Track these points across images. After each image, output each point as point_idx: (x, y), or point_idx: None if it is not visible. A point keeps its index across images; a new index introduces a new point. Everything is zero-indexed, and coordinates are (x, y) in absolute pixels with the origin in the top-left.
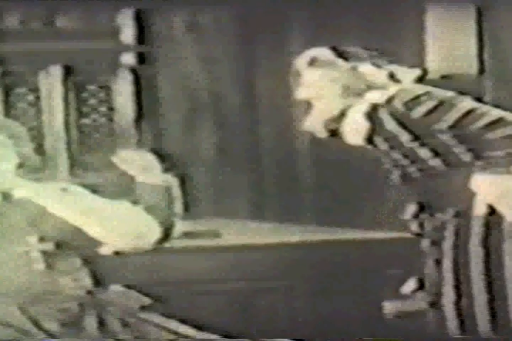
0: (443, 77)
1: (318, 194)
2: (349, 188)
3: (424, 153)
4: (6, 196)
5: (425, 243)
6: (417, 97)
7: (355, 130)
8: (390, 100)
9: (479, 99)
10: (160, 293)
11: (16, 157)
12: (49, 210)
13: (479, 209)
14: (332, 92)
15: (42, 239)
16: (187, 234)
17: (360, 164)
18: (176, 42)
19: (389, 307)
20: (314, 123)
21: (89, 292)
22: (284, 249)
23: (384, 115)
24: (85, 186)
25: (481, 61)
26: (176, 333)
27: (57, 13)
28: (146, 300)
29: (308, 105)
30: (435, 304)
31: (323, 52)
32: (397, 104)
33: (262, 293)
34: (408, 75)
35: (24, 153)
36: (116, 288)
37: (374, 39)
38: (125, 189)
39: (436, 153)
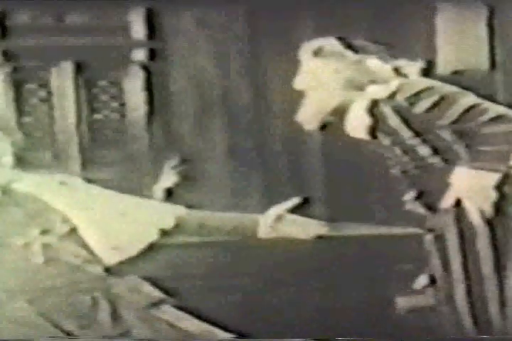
0: (454, 72)
1: (328, 190)
2: (360, 184)
3: (423, 150)
4: (6, 190)
5: (428, 240)
6: (420, 92)
7: (358, 125)
8: (392, 95)
9: (491, 95)
10: (173, 287)
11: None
12: (49, 204)
13: (446, 201)
14: (333, 84)
15: (44, 232)
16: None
17: (371, 160)
18: (187, 38)
19: (401, 302)
20: (307, 115)
21: (101, 284)
22: (294, 245)
23: (386, 110)
24: (97, 181)
25: (493, 56)
26: (185, 332)
27: (68, 9)
28: (158, 296)
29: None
30: (447, 300)
31: (331, 43)
32: (400, 99)
33: (273, 288)
34: (414, 69)
35: (18, 145)
36: (129, 280)
37: (384, 35)
38: (137, 184)
39: (435, 151)
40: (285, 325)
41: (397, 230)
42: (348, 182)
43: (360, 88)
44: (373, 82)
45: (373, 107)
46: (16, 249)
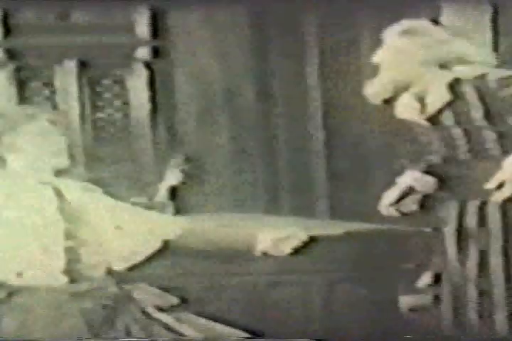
0: None
1: (333, 188)
2: (364, 182)
3: (488, 134)
4: (58, 190)
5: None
6: (508, 78)
7: (434, 101)
8: (482, 76)
9: None
10: (177, 287)
11: (61, 141)
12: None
13: (491, 183)
14: (415, 60)
15: (68, 236)
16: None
17: (375, 158)
18: (192, 36)
19: (404, 301)
20: (377, 89)
21: (117, 289)
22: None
23: (468, 88)
24: (100, 180)
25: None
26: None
27: (72, 7)
28: (169, 300)
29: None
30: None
31: (421, 23)
32: (491, 80)
33: (276, 286)
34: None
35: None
36: (140, 285)
37: None
38: (140, 183)
39: (499, 136)
40: (288, 325)
41: (402, 228)
42: (352, 180)
43: (444, 66)
44: (460, 61)
45: (454, 85)
46: (66, 251)
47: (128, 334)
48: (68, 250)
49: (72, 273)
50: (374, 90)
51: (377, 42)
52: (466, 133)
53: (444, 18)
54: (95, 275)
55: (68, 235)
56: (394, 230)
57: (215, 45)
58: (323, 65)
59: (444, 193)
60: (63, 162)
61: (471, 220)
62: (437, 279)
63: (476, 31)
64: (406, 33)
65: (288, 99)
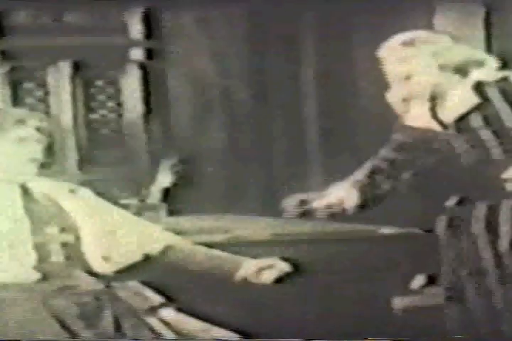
0: None
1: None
2: None
3: None
4: (25, 188)
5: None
6: None
7: (459, 104)
8: (504, 78)
9: None
10: (172, 287)
11: (39, 151)
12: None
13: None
14: (429, 67)
15: (63, 230)
16: (197, 230)
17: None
18: (185, 37)
19: (398, 302)
20: (396, 99)
21: (106, 287)
22: (293, 245)
23: (493, 92)
24: (94, 181)
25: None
26: (186, 333)
27: (66, 8)
28: (158, 300)
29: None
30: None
31: (421, 33)
32: None
33: (270, 287)
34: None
35: (48, 148)
36: (130, 285)
37: (384, 33)
38: (134, 184)
39: None
40: (284, 325)
41: (397, 230)
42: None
43: (460, 70)
44: (474, 64)
45: (478, 88)
46: (35, 247)
47: (116, 331)
48: (38, 247)
49: (44, 270)
50: (394, 101)
51: (373, 44)
52: (496, 134)
53: (437, 20)
54: (69, 273)
55: (36, 232)
56: (388, 232)
57: (210, 45)
58: (319, 66)
59: (475, 193)
60: (32, 171)
61: (503, 220)
62: (431, 281)
63: (468, 33)
64: (410, 43)
65: (284, 101)
